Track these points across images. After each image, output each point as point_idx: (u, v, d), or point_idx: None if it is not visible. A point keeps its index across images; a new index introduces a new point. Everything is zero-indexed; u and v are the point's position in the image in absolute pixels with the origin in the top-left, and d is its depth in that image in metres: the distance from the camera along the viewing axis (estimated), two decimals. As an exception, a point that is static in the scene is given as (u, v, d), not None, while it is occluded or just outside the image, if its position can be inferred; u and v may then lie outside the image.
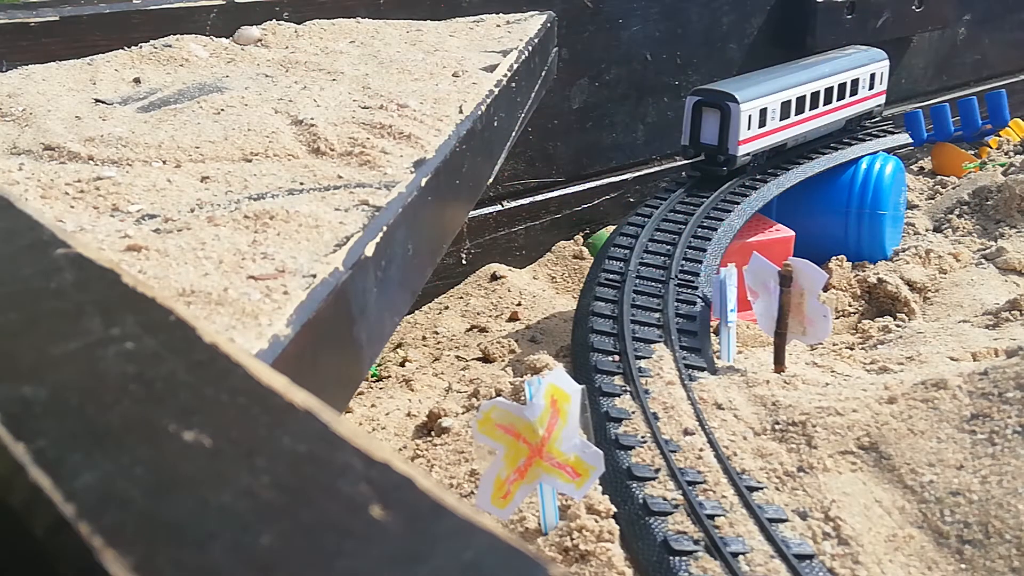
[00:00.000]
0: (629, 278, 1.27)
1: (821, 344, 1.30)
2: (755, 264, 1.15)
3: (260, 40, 1.14)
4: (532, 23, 1.29)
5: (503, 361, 1.32)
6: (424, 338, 1.44)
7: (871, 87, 1.75)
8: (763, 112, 1.50)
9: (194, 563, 0.20)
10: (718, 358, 1.19)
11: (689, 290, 1.26)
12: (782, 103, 1.54)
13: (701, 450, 0.95)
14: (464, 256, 1.59)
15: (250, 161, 0.75)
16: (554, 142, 1.67)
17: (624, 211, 1.72)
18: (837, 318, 1.48)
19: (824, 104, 1.64)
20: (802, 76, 1.60)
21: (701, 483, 0.91)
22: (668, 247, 1.34)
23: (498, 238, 1.63)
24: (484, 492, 0.80)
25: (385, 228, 0.62)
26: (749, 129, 1.48)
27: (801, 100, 1.58)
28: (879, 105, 1.79)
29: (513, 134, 1.07)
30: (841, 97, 1.68)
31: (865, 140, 1.74)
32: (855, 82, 1.70)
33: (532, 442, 0.79)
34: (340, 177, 0.71)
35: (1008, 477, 0.87)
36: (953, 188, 1.92)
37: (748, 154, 1.50)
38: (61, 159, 0.73)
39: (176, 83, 0.96)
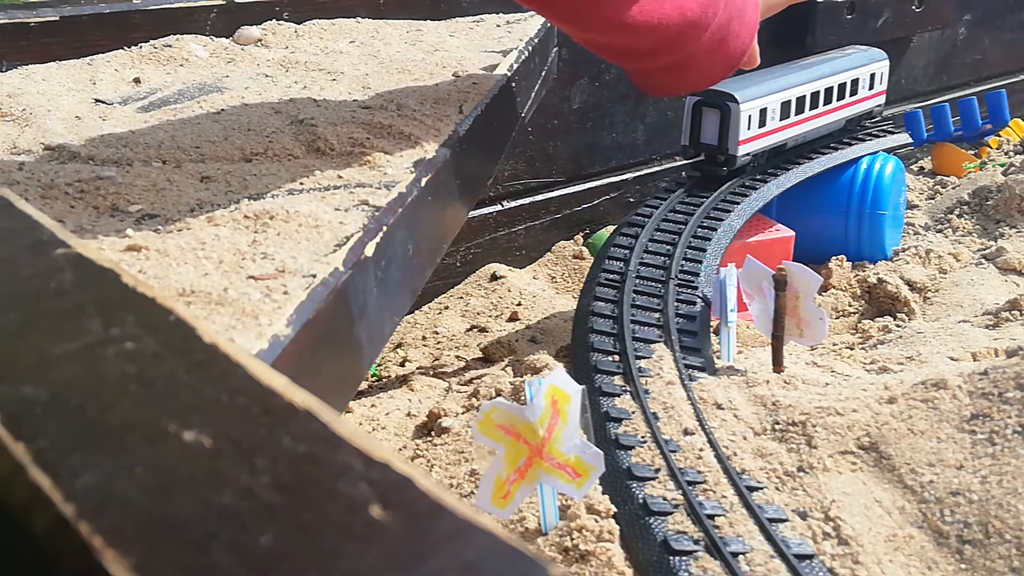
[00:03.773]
0: (629, 278, 1.27)
1: (821, 344, 1.30)
2: (748, 267, 1.15)
3: (260, 40, 1.14)
4: (532, 23, 1.29)
5: (503, 361, 1.32)
6: (424, 338, 1.44)
7: (871, 87, 1.75)
8: (763, 112, 1.50)
9: (194, 563, 0.20)
10: (718, 358, 1.19)
11: (689, 290, 1.26)
12: (782, 103, 1.54)
13: (701, 450, 0.95)
14: (464, 256, 1.59)
15: (250, 161, 0.75)
16: (554, 142, 1.67)
17: (624, 211, 1.72)
18: (837, 318, 1.48)
19: (824, 104, 1.64)
20: (802, 76, 1.60)
21: (701, 483, 0.91)
22: (668, 247, 1.34)
23: (498, 238, 1.63)
24: (484, 492, 0.79)
25: (385, 228, 0.62)
26: (749, 129, 1.48)
27: (801, 100, 1.58)
28: (879, 105, 1.79)
29: (513, 134, 1.07)
30: (841, 97, 1.67)
31: (865, 140, 1.74)
32: (855, 82, 1.70)
33: (532, 442, 0.79)
34: (340, 177, 0.71)
35: (1008, 477, 0.87)
36: (953, 188, 1.92)
37: (748, 154, 1.50)
38: (61, 159, 0.73)
39: (176, 83, 0.96)
